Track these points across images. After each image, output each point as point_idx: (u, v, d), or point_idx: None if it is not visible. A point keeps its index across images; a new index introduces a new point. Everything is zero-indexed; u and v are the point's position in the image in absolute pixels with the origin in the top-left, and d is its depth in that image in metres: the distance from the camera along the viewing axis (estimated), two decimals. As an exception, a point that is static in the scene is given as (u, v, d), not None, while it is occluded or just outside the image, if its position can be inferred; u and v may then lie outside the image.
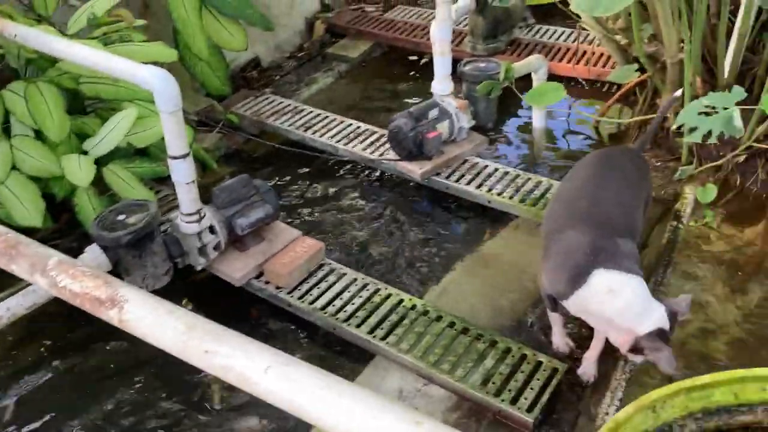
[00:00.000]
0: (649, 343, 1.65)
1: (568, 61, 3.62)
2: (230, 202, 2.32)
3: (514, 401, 1.93)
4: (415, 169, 2.82)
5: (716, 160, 2.70)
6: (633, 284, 1.74)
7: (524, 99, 2.86)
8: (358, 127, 3.20)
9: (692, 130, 2.01)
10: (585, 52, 3.64)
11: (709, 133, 1.98)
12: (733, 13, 2.66)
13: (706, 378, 1.07)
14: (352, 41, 4.24)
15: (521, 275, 2.48)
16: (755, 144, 2.48)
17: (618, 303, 1.72)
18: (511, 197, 2.71)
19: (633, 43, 2.88)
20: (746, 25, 2.54)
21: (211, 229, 2.26)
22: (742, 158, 2.71)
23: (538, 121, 3.29)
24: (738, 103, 2.01)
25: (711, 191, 2.58)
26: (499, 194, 2.73)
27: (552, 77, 3.40)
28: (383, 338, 2.15)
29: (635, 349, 1.71)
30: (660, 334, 1.65)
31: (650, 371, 1.98)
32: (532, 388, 1.96)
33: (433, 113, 2.82)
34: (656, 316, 1.68)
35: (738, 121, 1.97)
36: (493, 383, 1.99)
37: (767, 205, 2.62)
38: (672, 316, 1.70)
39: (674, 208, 2.68)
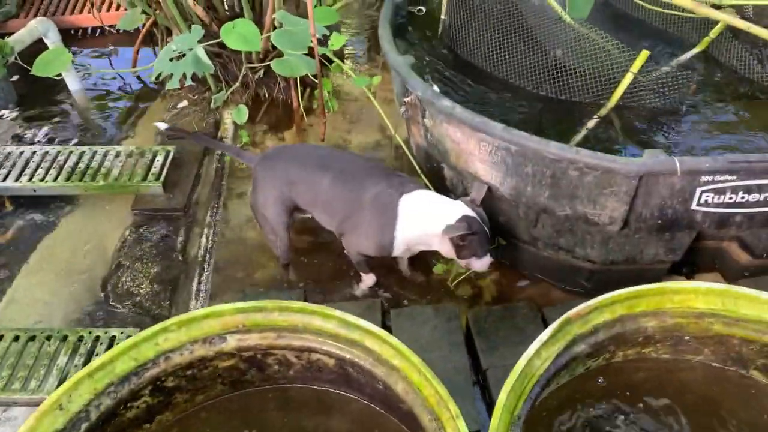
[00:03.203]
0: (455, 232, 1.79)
1: (89, 12, 3.44)
2: None
3: (92, 388, 1.95)
4: (-67, 184, 2.50)
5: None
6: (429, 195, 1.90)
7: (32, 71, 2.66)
8: None
9: (170, 77, 2.09)
10: (103, -2, 3.50)
11: (184, 76, 2.08)
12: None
13: (102, 358, 1.20)
14: None
15: (89, 253, 2.44)
16: (253, 65, 2.70)
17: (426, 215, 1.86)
18: (55, 179, 2.58)
19: (129, -14, 2.84)
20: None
21: None
22: (261, 73, 2.94)
23: (72, 83, 3.13)
24: (201, 41, 2.13)
25: (243, 111, 2.73)
26: (42, 180, 2.58)
27: (79, 31, 3.22)
28: (-64, 390, 1.95)
29: (458, 246, 1.83)
30: (465, 221, 1.80)
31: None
32: (108, 367, 2.00)
33: (-73, 117, 2.48)
34: (457, 210, 1.83)
35: (205, 59, 2.09)
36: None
37: (293, 108, 2.92)
38: (471, 203, 1.88)
39: (218, 135, 2.84)
